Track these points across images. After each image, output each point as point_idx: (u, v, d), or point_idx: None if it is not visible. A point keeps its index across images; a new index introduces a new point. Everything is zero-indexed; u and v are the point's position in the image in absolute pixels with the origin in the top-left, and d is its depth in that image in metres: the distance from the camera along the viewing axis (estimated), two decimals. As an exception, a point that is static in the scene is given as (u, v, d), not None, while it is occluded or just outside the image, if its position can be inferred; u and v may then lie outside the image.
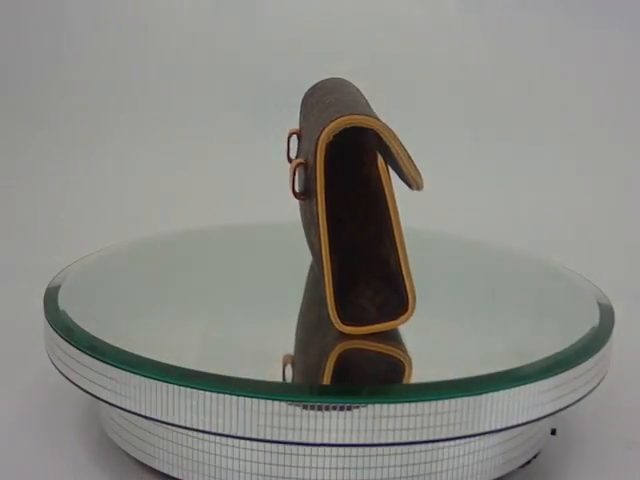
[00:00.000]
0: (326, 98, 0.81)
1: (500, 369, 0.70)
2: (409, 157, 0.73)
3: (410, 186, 0.76)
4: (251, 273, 0.96)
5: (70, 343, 0.74)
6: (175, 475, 0.74)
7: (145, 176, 1.61)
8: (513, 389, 0.68)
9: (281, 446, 0.69)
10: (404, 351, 0.76)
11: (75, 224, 1.51)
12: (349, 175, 0.73)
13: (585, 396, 0.75)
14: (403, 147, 0.72)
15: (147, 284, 0.92)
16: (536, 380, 0.69)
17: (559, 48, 1.69)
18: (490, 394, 0.67)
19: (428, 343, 0.79)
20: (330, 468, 0.70)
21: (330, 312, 0.75)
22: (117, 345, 0.72)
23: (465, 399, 0.66)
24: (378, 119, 0.72)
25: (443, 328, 0.83)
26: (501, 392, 0.68)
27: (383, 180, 0.72)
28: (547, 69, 1.69)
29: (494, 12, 1.70)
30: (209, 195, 1.58)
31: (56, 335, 0.76)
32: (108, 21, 1.70)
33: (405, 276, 0.74)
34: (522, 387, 0.69)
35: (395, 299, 0.75)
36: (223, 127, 1.66)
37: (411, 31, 1.69)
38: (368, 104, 0.86)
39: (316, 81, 0.91)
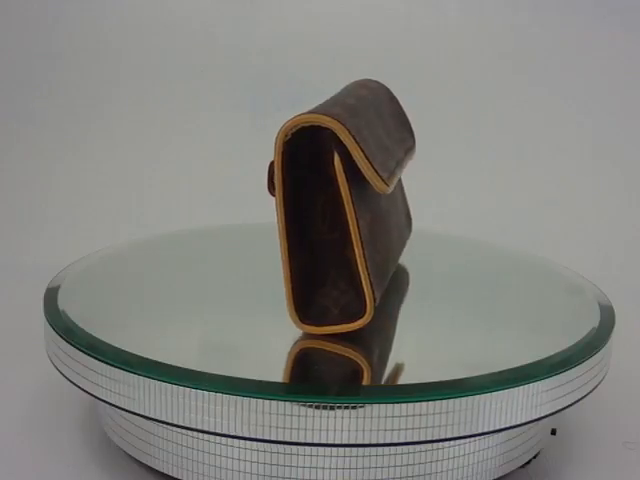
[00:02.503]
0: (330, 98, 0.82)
1: (500, 369, 0.70)
2: (366, 159, 0.72)
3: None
4: (251, 273, 0.96)
5: (70, 343, 0.74)
6: (175, 475, 0.74)
7: (145, 176, 1.61)
8: (513, 389, 0.68)
9: (281, 446, 0.69)
10: (362, 353, 0.75)
11: (75, 224, 1.51)
12: (319, 175, 0.73)
13: (585, 396, 0.75)
14: (360, 148, 0.71)
15: (147, 284, 0.92)
16: (536, 380, 0.69)
17: (559, 48, 1.69)
18: (490, 394, 0.67)
19: (428, 343, 0.79)
20: (330, 468, 0.70)
21: (288, 311, 0.75)
22: (117, 345, 0.72)
23: (465, 399, 0.66)
24: (336, 118, 0.71)
25: (443, 328, 0.83)
26: (501, 392, 0.68)
27: (339, 181, 0.72)
28: (548, 69, 1.69)
29: (494, 12, 1.70)
30: (209, 195, 1.58)
31: (56, 335, 0.76)
32: (104, 19, 1.70)
33: (363, 279, 0.74)
34: (522, 387, 0.69)
35: (357, 302, 0.75)
36: (223, 126, 1.65)
37: (411, 31, 1.69)
38: (380, 106, 0.85)
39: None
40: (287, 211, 0.73)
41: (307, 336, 0.76)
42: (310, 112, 0.72)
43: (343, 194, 0.72)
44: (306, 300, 0.76)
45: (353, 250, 0.73)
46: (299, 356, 0.76)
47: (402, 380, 0.72)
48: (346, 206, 0.72)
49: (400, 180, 0.98)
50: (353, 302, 0.75)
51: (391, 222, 0.85)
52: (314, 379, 0.72)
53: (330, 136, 0.71)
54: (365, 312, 0.74)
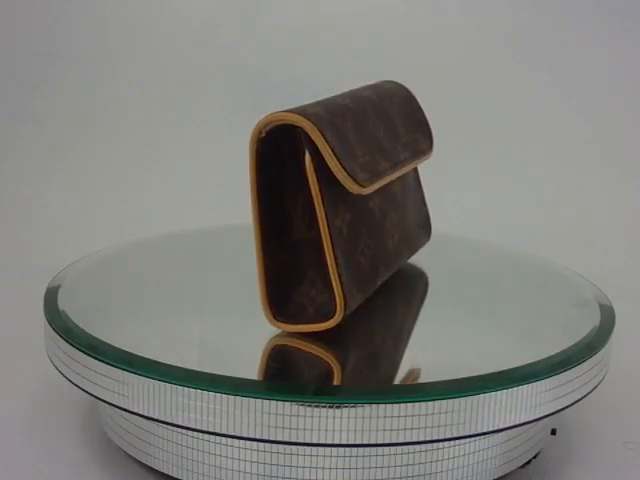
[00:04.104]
0: None
1: (500, 369, 0.70)
2: (336, 158, 0.72)
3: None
4: (251, 273, 0.95)
5: (70, 343, 0.74)
6: (175, 475, 0.74)
7: (145, 177, 1.61)
8: (513, 389, 0.68)
9: (281, 446, 0.69)
10: (330, 353, 0.75)
11: (75, 224, 1.51)
12: (298, 174, 0.73)
13: (585, 396, 0.75)
14: (330, 148, 0.71)
15: (147, 284, 0.92)
16: (536, 380, 0.69)
17: (559, 48, 1.69)
18: (490, 394, 0.67)
19: (428, 343, 0.79)
20: (330, 468, 0.70)
21: (262, 308, 0.75)
22: (117, 345, 0.72)
23: (465, 399, 0.66)
24: (307, 117, 0.71)
25: (443, 328, 0.83)
26: (501, 392, 0.68)
27: (310, 179, 0.72)
28: (548, 69, 1.69)
29: (494, 12, 1.70)
30: (209, 195, 1.58)
31: (56, 335, 0.76)
32: (104, 19, 1.70)
33: (333, 279, 0.73)
34: (522, 387, 0.69)
35: (332, 302, 0.74)
36: (223, 127, 1.66)
37: (411, 30, 1.69)
38: (386, 107, 0.85)
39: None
40: (261, 208, 0.74)
41: (299, 335, 0.75)
42: (284, 110, 0.72)
43: (313, 192, 0.72)
44: (284, 298, 0.76)
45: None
46: (273, 354, 0.76)
47: (402, 380, 0.72)
48: (316, 205, 0.72)
49: (419, 184, 0.96)
50: (328, 302, 0.75)
51: (388, 224, 0.85)
52: (290, 379, 0.72)
53: (303, 135, 0.71)
54: (335, 313, 0.74)
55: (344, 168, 0.72)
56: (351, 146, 0.75)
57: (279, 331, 0.77)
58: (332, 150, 0.71)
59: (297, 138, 0.72)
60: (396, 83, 0.95)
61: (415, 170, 0.95)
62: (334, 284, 0.73)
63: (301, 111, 0.72)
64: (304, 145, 0.72)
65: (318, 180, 0.72)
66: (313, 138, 0.71)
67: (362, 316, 0.80)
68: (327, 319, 0.74)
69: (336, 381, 0.71)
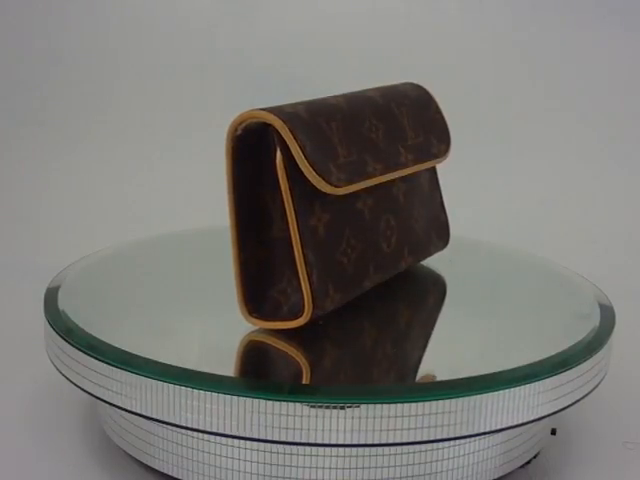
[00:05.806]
0: None
1: (500, 369, 0.70)
2: (305, 157, 0.71)
3: None
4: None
5: (70, 343, 0.74)
6: (175, 475, 0.74)
7: (145, 176, 1.61)
8: (513, 389, 0.68)
9: (281, 446, 0.69)
10: (300, 352, 0.75)
11: (75, 224, 1.51)
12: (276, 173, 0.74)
13: (585, 396, 0.75)
14: (298, 146, 0.71)
15: (147, 284, 0.92)
16: (536, 380, 0.69)
17: (559, 48, 1.69)
18: (490, 394, 0.67)
19: (428, 343, 0.79)
20: (330, 468, 0.70)
21: (238, 304, 0.76)
22: (117, 345, 0.72)
23: (465, 399, 0.66)
24: (278, 115, 0.71)
25: (442, 327, 0.83)
26: (501, 392, 0.68)
27: (280, 177, 0.72)
28: (548, 69, 1.69)
29: (494, 12, 1.70)
30: (209, 195, 1.57)
31: (56, 335, 0.76)
32: (105, 19, 1.70)
33: (301, 279, 0.73)
34: (522, 387, 0.69)
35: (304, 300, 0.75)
36: (223, 126, 1.65)
37: (410, 30, 1.69)
38: (391, 109, 0.84)
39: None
40: (238, 205, 0.74)
41: (298, 335, 0.75)
42: (258, 108, 0.72)
43: (283, 190, 0.72)
44: (261, 295, 0.76)
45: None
46: (247, 351, 0.76)
47: (401, 380, 0.72)
48: (285, 203, 0.72)
49: (436, 187, 0.95)
50: (301, 301, 0.75)
51: (383, 226, 0.83)
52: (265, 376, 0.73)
53: (275, 133, 0.71)
54: (303, 312, 0.74)
55: (313, 167, 0.72)
56: (332, 146, 0.75)
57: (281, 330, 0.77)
58: (302, 149, 0.71)
59: (269, 135, 0.72)
60: (413, 84, 0.93)
61: (433, 173, 0.94)
62: (302, 283, 0.73)
63: (276, 109, 0.72)
64: (276, 143, 0.72)
65: (288, 178, 0.72)
66: (283, 136, 0.71)
67: (362, 316, 0.80)
68: (297, 317, 0.74)
69: (335, 381, 0.71)
